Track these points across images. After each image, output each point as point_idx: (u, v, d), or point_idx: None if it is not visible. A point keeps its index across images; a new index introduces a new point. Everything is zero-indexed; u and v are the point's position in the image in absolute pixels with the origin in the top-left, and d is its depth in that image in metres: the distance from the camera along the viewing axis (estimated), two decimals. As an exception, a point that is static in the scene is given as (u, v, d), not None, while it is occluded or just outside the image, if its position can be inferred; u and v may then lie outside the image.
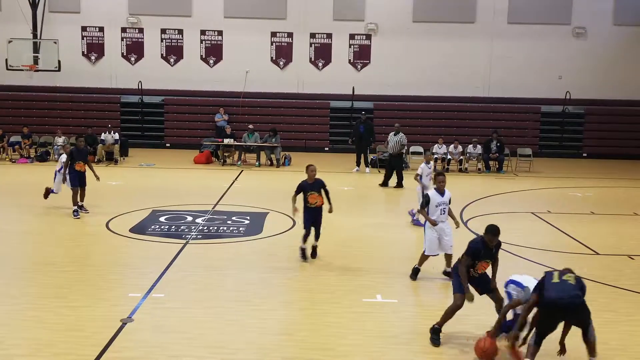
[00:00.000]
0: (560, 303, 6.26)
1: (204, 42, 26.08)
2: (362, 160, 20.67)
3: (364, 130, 20.40)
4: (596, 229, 13.01)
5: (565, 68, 25.63)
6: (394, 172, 17.57)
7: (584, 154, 25.38)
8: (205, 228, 12.12)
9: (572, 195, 17.18)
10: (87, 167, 13.09)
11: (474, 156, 21.37)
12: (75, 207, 12.73)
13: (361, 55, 26.16)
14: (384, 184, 17.58)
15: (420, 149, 22.22)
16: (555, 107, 25.69)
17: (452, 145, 21.32)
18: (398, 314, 7.98)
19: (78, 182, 12.87)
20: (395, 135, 17.86)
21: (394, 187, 17.41)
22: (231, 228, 12.21)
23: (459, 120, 25.14)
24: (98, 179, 13.20)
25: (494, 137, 21.35)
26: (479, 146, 21.42)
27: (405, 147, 18.61)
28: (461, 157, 21.25)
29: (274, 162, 21.33)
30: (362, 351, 6.94)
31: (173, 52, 26.06)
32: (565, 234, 12.43)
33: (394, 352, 6.93)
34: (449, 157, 21.11)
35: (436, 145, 21.34)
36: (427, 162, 13.27)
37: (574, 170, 22.00)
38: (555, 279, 6.43)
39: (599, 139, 25.44)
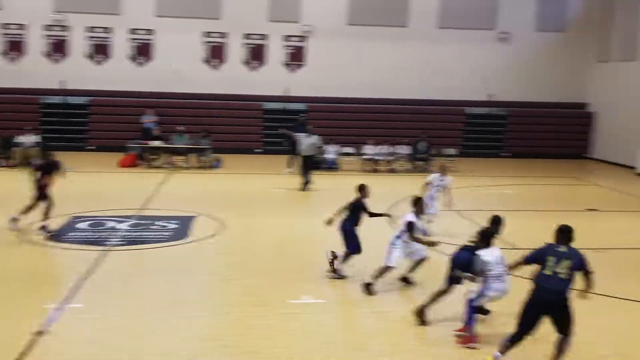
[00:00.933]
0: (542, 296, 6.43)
1: (133, 41, 25.56)
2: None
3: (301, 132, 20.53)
4: (516, 224, 13.53)
5: (489, 71, 26.57)
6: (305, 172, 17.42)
7: (505, 154, 26.38)
8: (129, 234, 11.88)
9: (493, 193, 17.84)
10: None
11: (402, 157, 21.86)
12: None
13: (296, 57, 26.25)
14: (305, 187, 17.41)
15: (352, 150, 22.53)
16: (478, 109, 26.59)
17: (381, 146, 21.73)
18: (325, 314, 8.13)
19: None
20: (307, 137, 17.80)
21: (300, 189, 17.25)
22: (156, 233, 12.02)
23: (388, 122, 25.61)
24: None
25: (422, 138, 21.91)
26: (407, 147, 21.94)
27: (319, 149, 18.52)
28: (390, 158, 21.69)
29: (204, 164, 21.13)
30: (289, 352, 7.03)
31: (100, 51, 25.39)
32: (486, 231, 12.90)
33: (322, 352, 7.05)
34: (378, 157, 21.50)
35: (366, 146, 21.71)
36: (442, 174, 12.78)
37: (496, 169, 22.86)
38: (548, 271, 6.53)
39: (519, 139, 26.52)
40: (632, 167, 22.62)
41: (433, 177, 12.97)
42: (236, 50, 25.93)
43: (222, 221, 13.04)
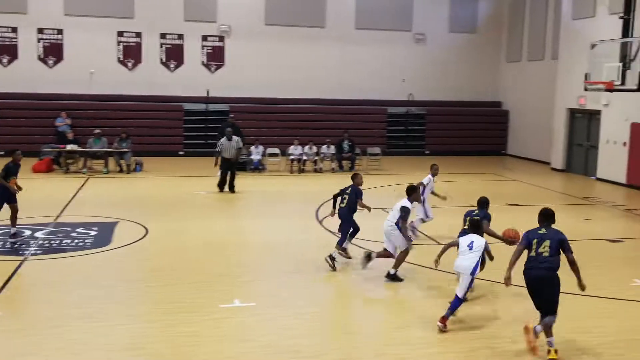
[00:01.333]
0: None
1: (41, 41, 24.40)
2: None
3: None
4: (437, 221, 13.88)
5: (408, 71, 27.19)
6: (228, 176, 17.05)
7: (427, 152, 27.07)
8: (46, 242, 11.30)
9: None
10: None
11: (327, 156, 21.98)
12: None
13: (215, 57, 25.88)
14: (222, 188, 17.08)
15: (277, 151, 22.45)
16: (400, 108, 27.15)
17: (307, 146, 21.76)
18: (256, 317, 8.00)
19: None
20: (228, 140, 17.21)
21: (228, 192, 16.99)
22: (76, 241, 11.48)
23: (313, 122, 25.74)
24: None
25: (345, 137, 22.12)
26: (332, 146, 22.08)
27: (243, 150, 18.28)
28: (316, 158, 21.76)
29: (124, 168, 20.45)
30: (220, 358, 6.87)
31: (5, 51, 24.07)
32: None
33: (254, 356, 6.93)
34: (304, 157, 21.53)
35: (292, 146, 21.68)
36: (434, 175, 12.60)
37: (418, 167, 23.26)
38: (533, 253, 7.05)
39: (439, 137, 27.28)
40: (547, 163, 23.71)
41: (427, 179, 12.41)
42: (153, 50, 25.31)
43: (146, 226, 12.65)
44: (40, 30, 24.34)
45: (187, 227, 12.95)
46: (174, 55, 25.55)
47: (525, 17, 26.12)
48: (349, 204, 10.51)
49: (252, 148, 21.44)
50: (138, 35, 25.16)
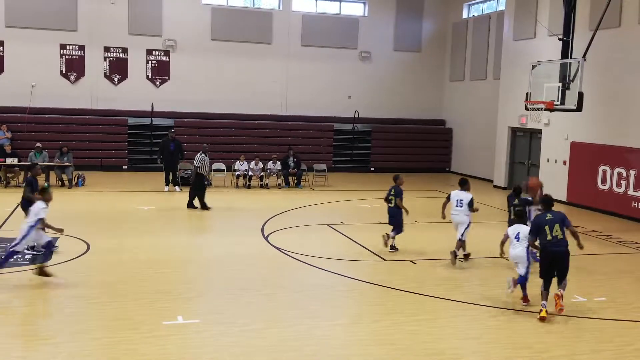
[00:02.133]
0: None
1: (-20, 52, 23.68)
2: (170, 179, 20.13)
3: (174, 148, 19.98)
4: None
5: (354, 89, 27.57)
6: (197, 193, 16.83)
7: (372, 169, 27.42)
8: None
9: (362, 206, 18.45)
10: None
11: (274, 172, 21.98)
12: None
13: (160, 72, 25.64)
14: (191, 205, 16.91)
15: (223, 166, 22.31)
16: (346, 125, 27.45)
17: (252, 162, 21.72)
18: (200, 334, 7.90)
19: None
20: (206, 155, 17.10)
21: (201, 209, 16.78)
22: (15, 257, 11.08)
23: (259, 138, 25.75)
24: None
25: (290, 153, 22.19)
26: (278, 162, 22.09)
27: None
28: (262, 174, 21.73)
29: (66, 182, 19.93)
30: (162, 376, 6.76)
31: (-58, 62, 23.27)
32: (357, 243, 13.30)
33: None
34: (250, 173, 21.46)
35: (238, 162, 21.59)
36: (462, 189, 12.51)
37: (364, 183, 23.66)
38: (549, 237, 8.86)
39: (385, 154, 27.68)
40: (490, 180, 24.31)
41: (453, 193, 12.21)
42: (96, 64, 24.89)
43: (87, 242, 12.36)
44: (-22, 41, 23.64)
45: (130, 242, 12.71)
46: (118, 68, 25.18)
47: (468, 37, 26.92)
48: (396, 203, 12.45)
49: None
50: (81, 48, 24.71)
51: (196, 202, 16.88)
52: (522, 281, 9.35)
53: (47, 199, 10.37)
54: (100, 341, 7.61)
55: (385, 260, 11.97)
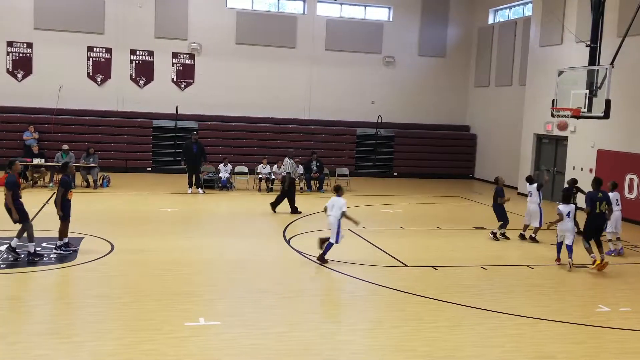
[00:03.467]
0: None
1: (10, 54, 24.11)
2: (193, 181, 20.30)
3: (196, 150, 20.15)
4: (405, 243, 14.04)
5: (377, 94, 27.52)
6: (287, 197, 17.20)
7: (395, 174, 27.32)
8: (11, 256, 11.07)
9: (384, 211, 18.38)
10: None
11: (296, 176, 21.95)
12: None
13: (185, 75, 25.87)
14: (294, 210, 17.14)
15: (245, 169, 22.42)
16: (369, 130, 27.40)
17: (275, 166, 21.77)
18: (220, 336, 7.94)
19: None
20: (294, 160, 17.81)
21: (290, 213, 16.98)
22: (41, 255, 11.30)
23: (282, 141, 25.83)
24: None
25: (313, 157, 22.21)
26: (300, 166, 22.09)
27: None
28: (284, 177, 21.73)
29: (91, 183, 20.20)
30: (183, 377, 6.80)
31: (-27, 63, 23.75)
32: (379, 248, 13.26)
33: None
34: (272, 177, 21.53)
35: (260, 165, 21.67)
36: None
37: (386, 188, 23.57)
38: (597, 210, 12.15)
39: (407, 160, 27.57)
40: (514, 187, 24.03)
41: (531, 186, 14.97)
42: (122, 66, 25.21)
43: (112, 242, 12.50)
44: (10, 44, 24.08)
45: (154, 243, 12.82)
46: (143, 71, 25.47)
47: (494, 43, 26.73)
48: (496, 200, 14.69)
49: (221, 166, 21.39)
50: (108, 50, 25.03)
51: (280, 207, 17.13)
52: (569, 249, 12.03)
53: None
54: (121, 341, 7.68)
55: (406, 265, 11.92)
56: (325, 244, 11.79)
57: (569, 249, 12.01)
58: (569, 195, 12.41)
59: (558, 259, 12.36)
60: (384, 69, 27.65)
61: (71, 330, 7.88)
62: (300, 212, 17.03)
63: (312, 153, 22.48)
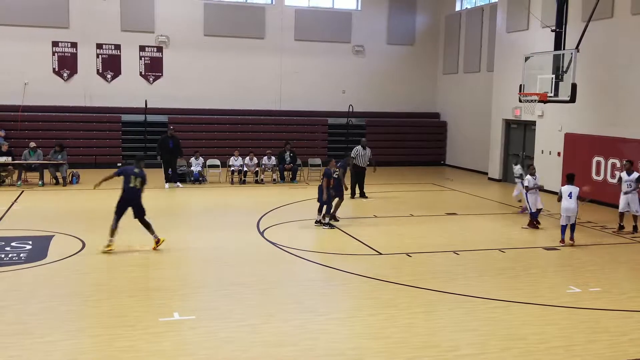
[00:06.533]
0: None
1: (-29, 50, 23.55)
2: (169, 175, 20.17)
3: (172, 145, 20.01)
4: (379, 231, 14.11)
5: (347, 83, 27.53)
6: (357, 184, 18.51)
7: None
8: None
9: (357, 200, 18.45)
10: None
11: (269, 167, 21.95)
12: None
13: (153, 68, 25.55)
14: (353, 195, 18.31)
15: (218, 162, 22.27)
16: (340, 119, 27.42)
17: (247, 158, 21.69)
18: (196, 330, 7.90)
19: None
20: (364, 149, 18.77)
21: (359, 197, 18.46)
22: (10, 255, 11.06)
23: (254, 133, 25.72)
24: None
25: (286, 148, 22.16)
26: (273, 158, 22.07)
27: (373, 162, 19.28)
28: (257, 169, 21.70)
29: (60, 180, 19.88)
30: (159, 373, 6.76)
31: None
32: (352, 237, 13.30)
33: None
34: (245, 169, 21.44)
35: (232, 158, 21.55)
36: (533, 175, 14.67)
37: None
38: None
39: (379, 148, 27.57)
40: (484, 173, 24.35)
41: (528, 180, 14.60)
42: (89, 61, 24.81)
43: (82, 239, 12.34)
44: (-29, 40, 23.51)
45: (125, 239, 12.68)
46: (110, 65, 25.09)
47: (462, 30, 26.91)
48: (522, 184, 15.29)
49: (192, 159, 21.22)
50: (73, 45, 24.60)
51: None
52: (572, 229, 12.89)
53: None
54: (96, 339, 7.60)
55: (380, 254, 11.99)
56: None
57: (573, 228, 12.79)
58: (570, 175, 13.15)
59: (562, 240, 12.93)
60: (353, 58, 27.66)
61: (44, 330, 7.77)
62: (367, 197, 18.52)
63: (286, 144, 22.43)
